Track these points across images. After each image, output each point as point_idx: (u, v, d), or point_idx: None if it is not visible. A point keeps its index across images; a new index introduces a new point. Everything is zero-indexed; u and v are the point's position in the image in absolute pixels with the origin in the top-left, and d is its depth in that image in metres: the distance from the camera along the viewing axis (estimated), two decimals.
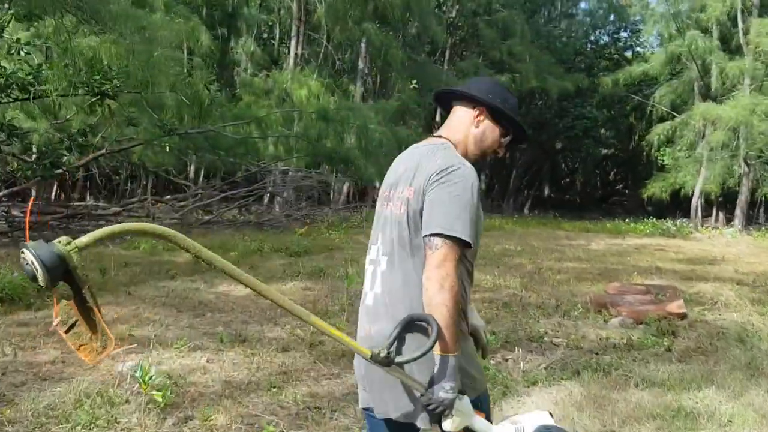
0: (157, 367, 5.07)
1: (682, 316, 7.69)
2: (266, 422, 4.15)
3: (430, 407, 2.03)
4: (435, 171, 2.13)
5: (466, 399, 2.09)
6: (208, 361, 5.35)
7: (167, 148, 15.29)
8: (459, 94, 2.38)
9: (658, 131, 29.47)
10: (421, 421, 2.15)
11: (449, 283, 2.01)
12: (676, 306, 7.86)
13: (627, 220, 27.26)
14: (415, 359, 2.02)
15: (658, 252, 16.09)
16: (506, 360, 5.79)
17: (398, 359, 2.04)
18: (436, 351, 2.02)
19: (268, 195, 22.64)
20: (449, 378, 2.02)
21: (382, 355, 2.01)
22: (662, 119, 30.55)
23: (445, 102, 2.47)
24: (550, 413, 2.25)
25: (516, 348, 6.02)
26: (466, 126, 2.34)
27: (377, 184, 27.86)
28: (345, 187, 26.82)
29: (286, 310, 2.00)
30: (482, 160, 2.43)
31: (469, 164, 2.19)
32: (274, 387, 4.78)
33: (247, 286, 1.93)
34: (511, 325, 7.08)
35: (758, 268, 13.50)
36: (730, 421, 4.29)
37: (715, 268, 13.30)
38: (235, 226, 17.04)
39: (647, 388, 5.05)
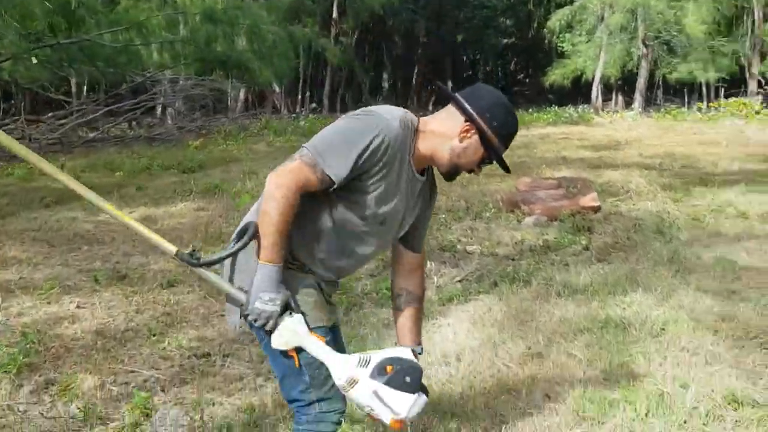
0: (16, 319, 4.36)
1: (596, 209, 7.43)
2: (143, 380, 3.54)
3: (249, 318, 1.90)
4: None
5: (298, 317, 1.92)
6: (78, 307, 4.64)
7: (37, 60, 13.77)
8: (455, 101, 2.04)
9: (558, 17, 29.11)
10: (232, 325, 2.08)
11: (282, 193, 1.85)
12: (589, 199, 7.58)
13: (530, 110, 27.12)
14: (220, 260, 1.94)
15: (562, 140, 15.98)
16: None
17: (204, 259, 1.93)
18: (258, 258, 1.89)
19: (160, 107, 21.20)
20: (269, 289, 1.87)
21: (187, 252, 1.91)
22: (560, 5, 30.18)
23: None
24: (413, 350, 2.15)
25: (428, 261, 5.55)
26: (449, 131, 2.03)
27: (276, 88, 26.68)
28: (242, 94, 25.49)
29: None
30: (452, 175, 2.08)
31: (395, 124, 1.94)
32: (155, 334, 4.15)
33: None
34: None
35: (661, 149, 13.58)
36: (663, 329, 3.93)
37: (620, 153, 13.27)
38: (123, 142, 15.84)
39: (570, 296, 4.68)
